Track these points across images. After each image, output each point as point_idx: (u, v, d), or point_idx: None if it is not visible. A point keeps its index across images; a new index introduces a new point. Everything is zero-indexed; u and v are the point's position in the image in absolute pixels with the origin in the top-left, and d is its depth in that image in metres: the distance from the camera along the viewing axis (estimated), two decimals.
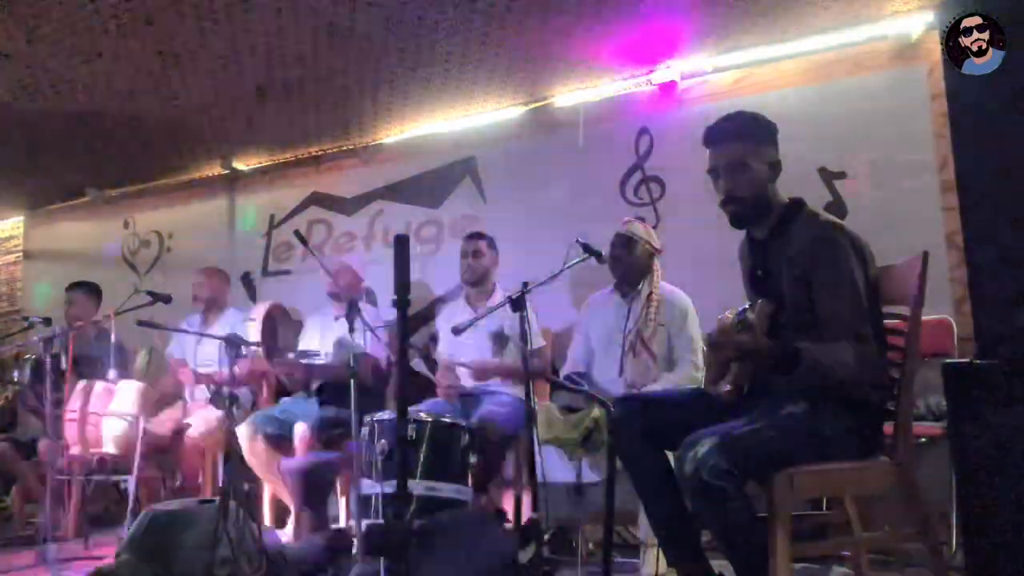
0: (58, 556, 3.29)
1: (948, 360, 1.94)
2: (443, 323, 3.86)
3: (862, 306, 1.99)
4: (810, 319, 2.02)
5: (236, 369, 3.03)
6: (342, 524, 3.63)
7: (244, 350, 3.12)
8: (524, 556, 2.89)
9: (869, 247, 2.08)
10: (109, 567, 2.71)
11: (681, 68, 4.11)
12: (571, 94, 4.39)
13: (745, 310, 2.06)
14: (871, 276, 2.05)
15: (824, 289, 2.00)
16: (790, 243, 2.10)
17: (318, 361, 3.78)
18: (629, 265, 3.24)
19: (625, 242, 3.24)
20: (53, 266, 6.27)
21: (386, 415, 2.94)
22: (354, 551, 2.67)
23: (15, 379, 4.55)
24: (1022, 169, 1.77)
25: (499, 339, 3.57)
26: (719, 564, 2.13)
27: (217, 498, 2.61)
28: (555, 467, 2.79)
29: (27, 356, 4.34)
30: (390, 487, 2.70)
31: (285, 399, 4.00)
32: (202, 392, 4.21)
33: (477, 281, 3.76)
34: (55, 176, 5.69)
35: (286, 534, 3.52)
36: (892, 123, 3.60)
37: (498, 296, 3.67)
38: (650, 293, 3.19)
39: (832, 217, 2.16)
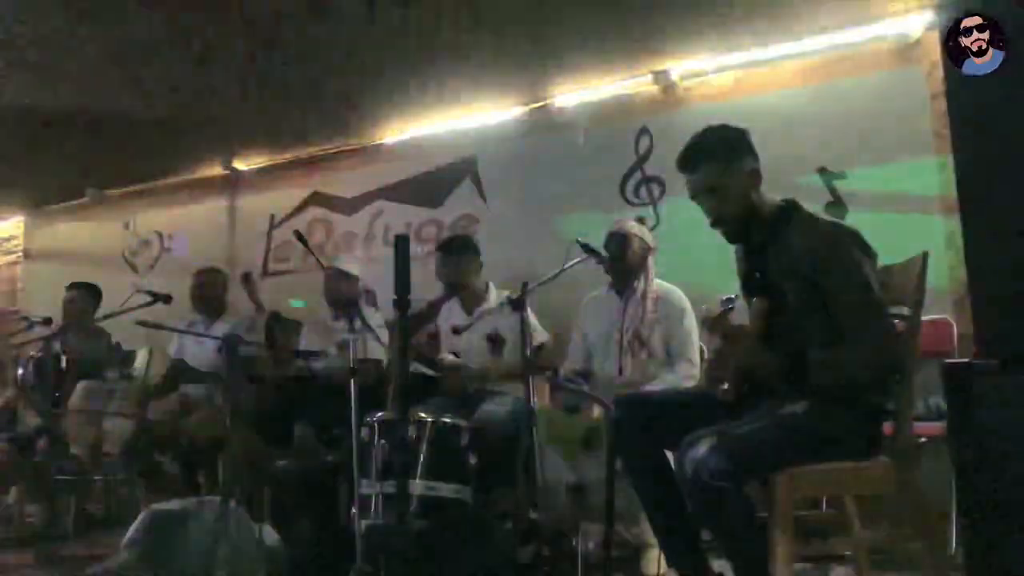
0: (58, 556, 3.29)
1: (948, 360, 1.94)
2: (442, 323, 3.85)
3: (880, 304, 1.99)
4: (818, 321, 2.01)
5: None
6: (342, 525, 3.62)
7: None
8: (524, 556, 2.89)
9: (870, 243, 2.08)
10: (109, 567, 2.71)
11: (681, 68, 4.11)
12: (571, 94, 4.39)
13: (732, 299, 2.06)
14: (877, 271, 2.05)
15: (841, 294, 1.98)
16: (789, 247, 2.08)
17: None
18: (625, 263, 3.24)
19: (620, 240, 3.24)
20: (53, 266, 6.27)
21: (386, 415, 2.93)
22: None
23: (15, 379, 4.54)
24: (1022, 169, 1.77)
25: (495, 340, 3.57)
26: (719, 564, 2.13)
27: (217, 498, 2.61)
28: (555, 467, 2.79)
29: (27, 356, 4.34)
30: (390, 487, 2.72)
31: None
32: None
33: (456, 290, 3.72)
34: (55, 176, 5.69)
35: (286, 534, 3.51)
36: (892, 123, 3.59)
37: (492, 295, 3.67)
38: (645, 291, 3.20)
39: (832, 218, 2.16)
